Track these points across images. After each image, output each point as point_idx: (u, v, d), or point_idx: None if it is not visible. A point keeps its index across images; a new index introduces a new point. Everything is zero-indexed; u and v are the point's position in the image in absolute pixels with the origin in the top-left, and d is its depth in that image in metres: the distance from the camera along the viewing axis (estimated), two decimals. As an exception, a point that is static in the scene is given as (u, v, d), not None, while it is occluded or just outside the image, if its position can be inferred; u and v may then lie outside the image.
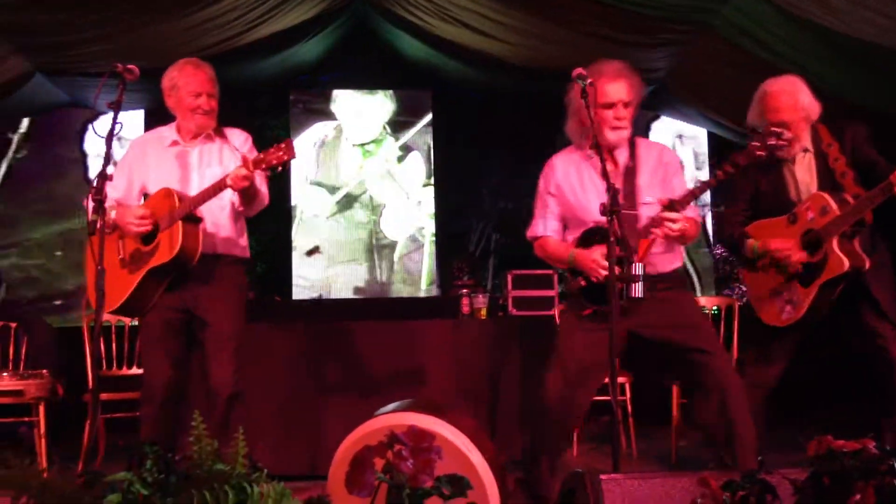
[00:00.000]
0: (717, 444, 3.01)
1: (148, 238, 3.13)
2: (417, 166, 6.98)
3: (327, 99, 7.01)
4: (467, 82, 6.83)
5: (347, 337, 4.26)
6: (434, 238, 6.90)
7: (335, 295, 6.78)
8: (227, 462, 1.35)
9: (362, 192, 6.95)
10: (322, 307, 6.50)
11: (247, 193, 3.09)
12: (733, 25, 4.72)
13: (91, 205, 2.73)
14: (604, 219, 2.65)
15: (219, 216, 3.22)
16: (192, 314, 3.19)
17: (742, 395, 2.91)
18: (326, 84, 7.05)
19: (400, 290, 6.84)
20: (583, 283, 2.97)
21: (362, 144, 7.00)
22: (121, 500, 1.27)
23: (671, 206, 2.85)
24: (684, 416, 4.20)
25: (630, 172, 3.02)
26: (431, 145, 6.98)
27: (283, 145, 2.94)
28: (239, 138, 3.33)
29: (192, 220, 3.08)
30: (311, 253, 6.82)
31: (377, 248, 6.88)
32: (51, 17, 4.73)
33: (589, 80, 2.81)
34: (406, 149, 7.00)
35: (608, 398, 2.59)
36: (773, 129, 2.89)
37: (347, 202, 6.93)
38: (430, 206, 6.94)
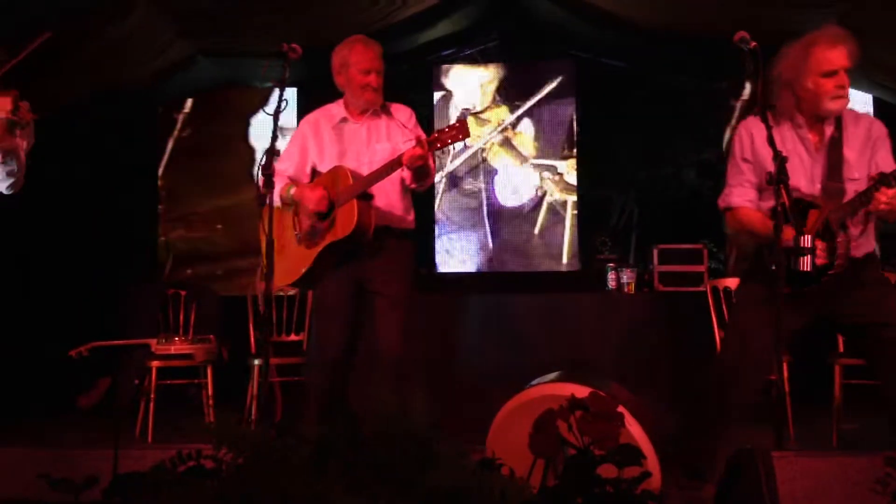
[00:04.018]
0: None
1: (323, 215, 3.25)
2: (557, 137, 6.91)
3: (468, 73, 7.05)
4: (610, 51, 6.69)
5: (495, 309, 4.32)
6: (575, 211, 6.83)
7: (470, 269, 6.85)
8: (409, 421, 1.40)
9: (493, 161, 6.96)
10: (465, 280, 6.59)
11: (419, 172, 3.16)
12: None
13: (262, 179, 2.88)
14: (807, 191, 2.57)
15: (389, 192, 3.30)
16: (362, 286, 3.31)
17: None
18: (467, 58, 7.09)
19: (540, 263, 6.81)
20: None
21: (499, 115, 6.99)
22: (313, 452, 1.35)
23: (887, 180, 2.64)
24: (847, 397, 3.99)
25: (835, 144, 2.85)
26: (574, 116, 6.89)
27: (457, 124, 3.00)
28: (404, 114, 3.40)
29: (366, 196, 3.18)
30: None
31: (517, 220, 6.88)
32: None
33: (752, 44, 2.72)
34: (544, 119, 6.93)
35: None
36: None
37: (476, 173, 6.95)
38: (572, 178, 6.85)
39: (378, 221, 3.20)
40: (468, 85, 7.04)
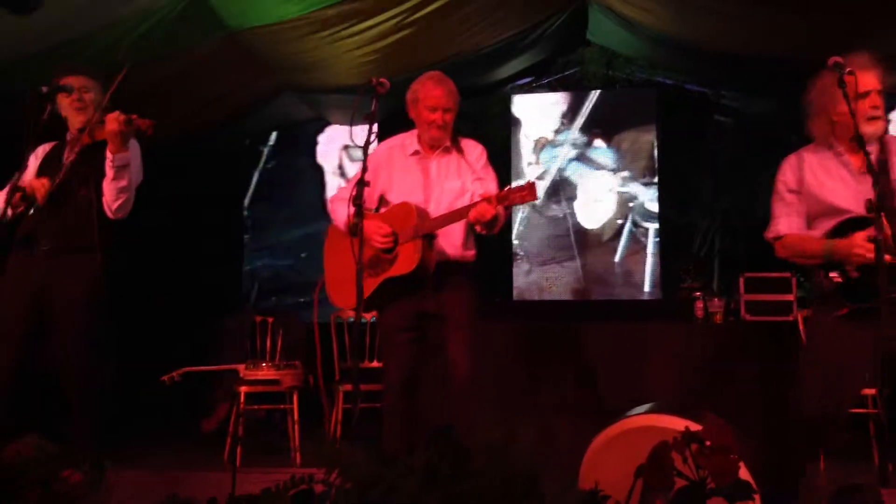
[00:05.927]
0: None
1: (387, 250, 3.30)
2: (638, 164, 6.85)
3: (546, 101, 7.07)
4: (692, 77, 6.63)
5: (577, 338, 4.28)
6: (657, 238, 6.74)
7: (550, 296, 6.81)
8: (514, 453, 1.41)
9: (573, 188, 6.93)
10: (543, 308, 6.55)
11: (488, 223, 3.19)
12: None
13: (352, 209, 2.94)
14: (858, 210, 2.53)
15: (452, 228, 3.32)
16: (425, 313, 3.34)
17: None
18: (546, 86, 7.12)
19: (622, 291, 6.74)
20: (838, 279, 2.77)
21: (579, 143, 6.98)
22: (421, 482, 1.36)
23: None
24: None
25: (882, 167, 2.78)
26: (655, 143, 6.82)
27: (525, 186, 3.02)
28: (474, 152, 3.44)
29: (429, 236, 3.25)
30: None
31: (598, 248, 6.83)
32: (297, 40, 5.13)
33: (848, 69, 2.70)
34: (624, 146, 6.89)
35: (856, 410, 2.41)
36: None
37: (556, 200, 6.94)
38: (653, 206, 6.77)
39: (439, 258, 3.26)
40: (544, 112, 7.06)
